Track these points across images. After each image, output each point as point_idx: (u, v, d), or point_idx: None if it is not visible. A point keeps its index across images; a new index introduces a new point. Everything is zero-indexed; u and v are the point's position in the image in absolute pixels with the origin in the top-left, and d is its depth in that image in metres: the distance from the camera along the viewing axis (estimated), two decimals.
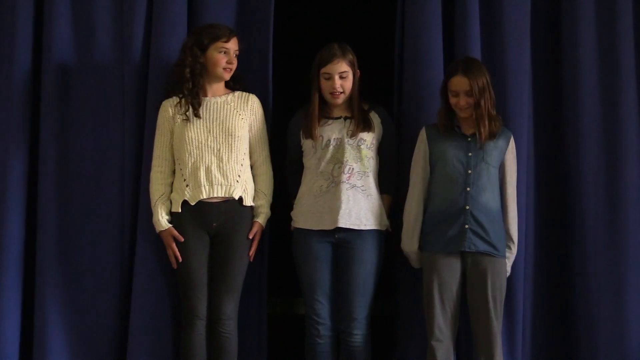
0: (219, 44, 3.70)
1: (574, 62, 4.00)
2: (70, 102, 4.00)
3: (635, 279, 3.93)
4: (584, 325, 3.95)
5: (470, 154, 3.67)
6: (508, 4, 3.98)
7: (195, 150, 3.70)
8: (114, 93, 3.98)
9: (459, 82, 3.62)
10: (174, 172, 3.78)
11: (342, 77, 3.72)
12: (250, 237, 3.73)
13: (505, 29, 3.98)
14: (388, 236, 3.82)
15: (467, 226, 3.63)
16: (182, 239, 3.69)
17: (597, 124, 3.98)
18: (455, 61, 3.74)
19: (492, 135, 3.67)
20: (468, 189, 3.64)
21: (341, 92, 3.72)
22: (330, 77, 3.71)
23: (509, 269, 3.75)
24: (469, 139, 3.69)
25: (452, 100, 3.67)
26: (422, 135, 3.76)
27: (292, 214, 3.81)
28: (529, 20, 4.01)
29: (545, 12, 4.09)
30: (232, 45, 3.72)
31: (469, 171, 3.65)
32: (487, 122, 3.64)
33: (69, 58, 4.00)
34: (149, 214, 3.79)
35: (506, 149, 3.72)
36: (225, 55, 3.71)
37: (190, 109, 3.72)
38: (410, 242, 3.72)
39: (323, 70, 3.72)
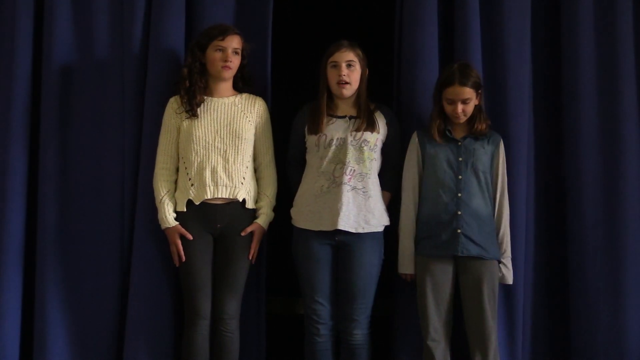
0: (215, 42, 3.71)
1: (573, 62, 3.99)
2: (70, 102, 4.01)
3: (634, 280, 3.93)
4: (583, 326, 3.94)
5: (460, 159, 3.69)
6: (508, 4, 3.97)
7: (202, 150, 3.71)
8: (113, 93, 3.99)
9: (456, 92, 3.64)
10: (177, 169, 3.79)
11: (349, 65, 3.72)
12: (243, 234, 3.73)
13: (505, 29, 3.97)
14: (388, 234, 3.82)
15: (459, 231, 3.64)
16: (191, 237, 3.69)
17: (596, 124, 3.97)
18: (449, 69, 3.71)
19: (481, 134, 3.70)
20: (459, 194, 3.67)
21: (348, 82, 3.72)
22: (337, 65, 3.72)
23: (510, 280, 3.77)
24: (459, 143, 3.71)
25: (448, 109, 3.68)
26: (414, 139, 3.78)
27: (292, 212, 3.81)
28: (529, 21, 4.00)
29: (545, 12, 4.08)
30: (229, 43, 3.72)
31: (460, 177, 3.68)
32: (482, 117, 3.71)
33: (69, 58, 4.01)
34: (149, 212, 3.80)
35: (495, 153, 3.74)
36: (222, 53, 3.72)
37: (188, 108, 3.72)
38: (409, 246, 3.74)
39: (331, 59, 3.73)
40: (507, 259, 3.76)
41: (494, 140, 3.76)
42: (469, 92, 3.64)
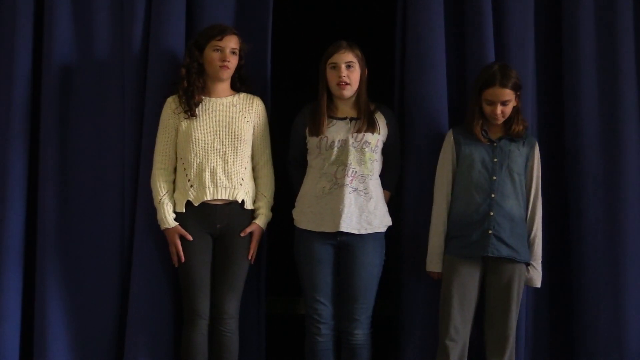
0: (213, 42, 3.71)
1: (574, 62, 3.98)
2: (70, 101, 4.00)
3: (635, 279, 3.93)
4: (584, 325, 3.94)
5: (495, 160, 3.68)
6: (512, 6, 3.97)
7: (201, 152, 3.71)
8: (114, 93, 3.99)
9: (496, 93, 3.62)
10: (175, 169, 3.78)
11: (348, 66, 3.71)
12: (243, 235, 3.73)
13: (508, 31, 3.97)
14: (391, 234, 3.83)
15: (490, 232, 3.63)
16: (191, 238, 3.69)
17: (597, 124, 3.97)
18: (489, 69, 3.68)
19: (518, 135, 3.68)
20: (493, 195, 3.65)
21: (347, 84, 3.71)
22: (336, 66, 3.71)
23: (538, 283, 3.76)
24: (495, 144, 3.70)
25: (487, 109, 3.66)
26: (449, 137, 3.76)
27: (294, 212, 3.81)
28: (532, 22, 4.00)
29: (547, 13, 4.07)
30: (227, 43, 3.72)
31: (494, 177, 3.66)
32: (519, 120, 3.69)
33: (69, 58, 4.00)
34: (149, 212, 3.80)
35: (530, 156, 3.73)
36: (220, 53, 3.72)
37: (187, 108, 3.72)
38: (438, 245, 3.73)
39: (330, 60, 3.73)
40: (537, 262, 3.74)
41: (529, 142, 3.74)
42: (509, 94, 3.63)
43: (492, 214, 3.64)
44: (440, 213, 3.73)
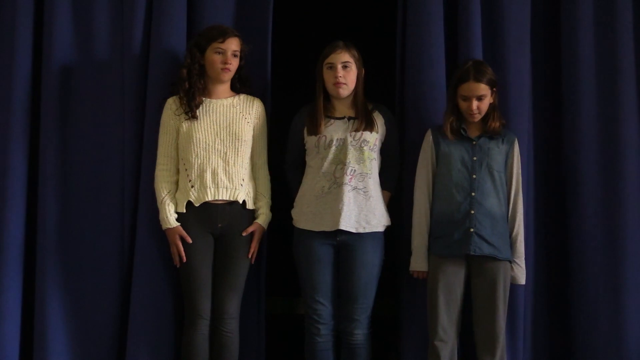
0: (215, 44, 3.71)
1: (573, 62, 3.99)
2: (70, 102, 4.00)
3: (634, 279, 3.93)
4: (583, 325, 3.95)
5: (475, 158, 3.68)
6: (509, 5, 3.97)
7: (202, 152, 3.71)
8: (114, 93, 3.99)
9: (471, 88, 3.63)
10: (177, 169, 3.79)
11: (345, 66, 3.71)
12: (244, 234, 3.74)
13: (506, 30, 3.97)
14: (391, 234, 3.83)
15: (472, 230, 3.63)
16: (190, 240, 3.70)
17: (596, 124, 3.98)
18: (464, 65, 3.70)
19: (495, 132, 3.68)
20: (473, 193, 3.65)
21: (344, 83, 3.72)
22: (332, 67, 3.72)
23: (522, 280, 3.76)
24: (474, 142, 3.70)
25: (463, 105, 3.67)
26: (428, 137, 3.76)
27: (293, 212, 3.82)
28: (529, 21, 4.01)
29: (545, 12, 4.08)
30: (229, 45, 3.72)
31: (474, 176, 3.67)
32: (495, 116, 3.69)
33: (69, 58, 4.00)
34: (150, 213, 3.80)
35: (510, 153, 3.73)
36: (221, 55, 3.72)
37: (188, 109, 3.72)
38: (422, 244, 3.74)
39: (326, 60, 3.73)
40: (521, 259, 3.74)
41: (508, 140, 3.74)
42: (484, 89, 3.64)
43: (473, 212, 3.64)
44: (422, 212, 3.74)
